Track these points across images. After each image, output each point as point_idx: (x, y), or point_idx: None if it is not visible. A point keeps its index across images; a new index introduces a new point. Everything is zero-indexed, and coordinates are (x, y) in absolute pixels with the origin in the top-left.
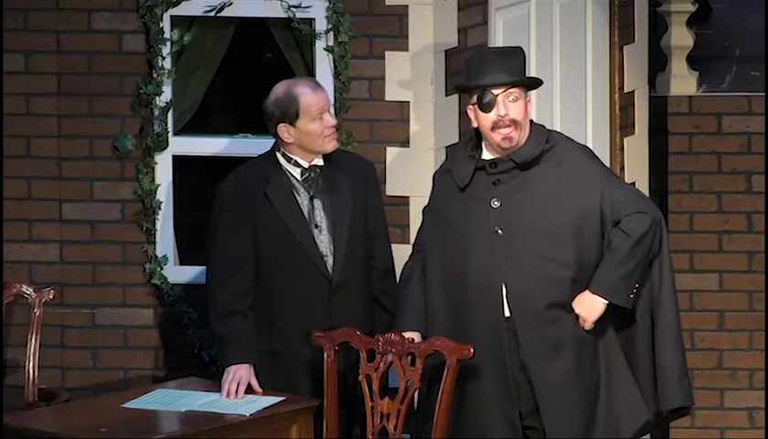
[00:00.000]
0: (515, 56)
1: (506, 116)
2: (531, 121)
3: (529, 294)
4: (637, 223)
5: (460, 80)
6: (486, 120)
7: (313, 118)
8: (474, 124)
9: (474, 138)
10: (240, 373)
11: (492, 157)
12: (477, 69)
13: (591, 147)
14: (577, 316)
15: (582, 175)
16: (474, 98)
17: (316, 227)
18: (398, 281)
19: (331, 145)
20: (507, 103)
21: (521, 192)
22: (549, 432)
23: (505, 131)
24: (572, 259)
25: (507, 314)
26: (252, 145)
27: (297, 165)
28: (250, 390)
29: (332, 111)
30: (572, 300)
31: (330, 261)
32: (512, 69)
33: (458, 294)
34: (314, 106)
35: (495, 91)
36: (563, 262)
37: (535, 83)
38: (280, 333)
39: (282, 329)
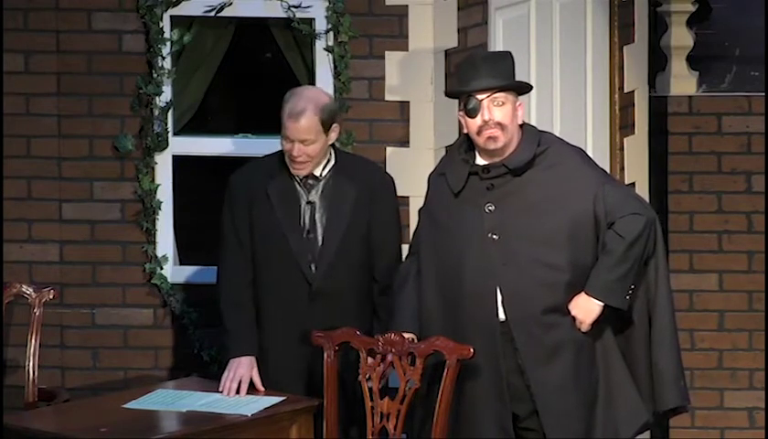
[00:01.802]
0: (502, 60)
1: (491, 120)
2: (523, 124)
3: (526, 300)
4: (631, 225)
5: (451, 87)
6: (473, 125)
7: (284, 136)
8: (465, 130)
9: (466, 141)
10: (240, 371)
11: (485, 163)
12: (464, 74)
13: (591, 147)
14: (574, 319)
15: (576, 177)
16: (462, 103)
17: (308, 231)
18: (393, 281)
19: (296, 171)
20: (493, 108)
21: (515, 197)
22: (550, 433)
23: (488, 131)
24: (568, 262)
25: (502, 318)
26: (252, 145)
27: None
28: (251, 389)
29: (306, 143)
30: (568, 303)
31: (314, 266)
32: (498, 73)
33: (453, 298)
34: (284, 128)
35: (479, 97)
36: (558, 267)
37: (522, 87)
38: (264, 330)
39: (266, 327)
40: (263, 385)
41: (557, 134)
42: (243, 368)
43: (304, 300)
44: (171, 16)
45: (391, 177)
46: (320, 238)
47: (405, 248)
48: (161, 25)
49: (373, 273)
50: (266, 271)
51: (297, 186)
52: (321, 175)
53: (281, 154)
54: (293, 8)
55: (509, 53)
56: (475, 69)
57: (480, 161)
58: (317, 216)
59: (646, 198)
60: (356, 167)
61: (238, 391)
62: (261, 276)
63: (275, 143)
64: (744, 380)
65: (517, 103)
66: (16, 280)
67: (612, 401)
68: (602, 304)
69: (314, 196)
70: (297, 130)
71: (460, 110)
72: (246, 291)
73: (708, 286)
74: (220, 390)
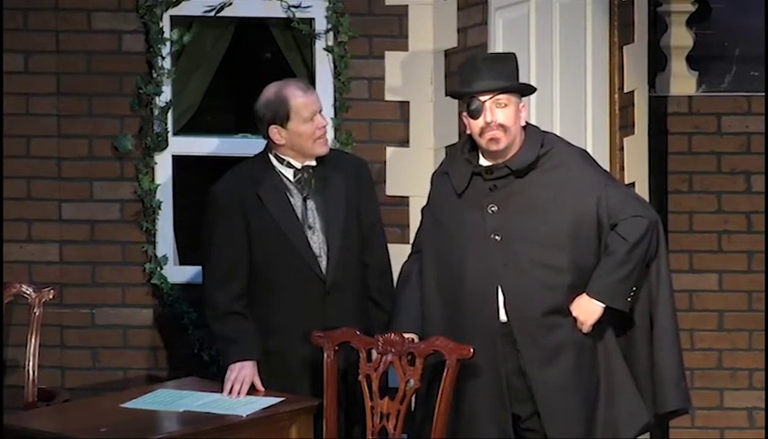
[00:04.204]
0: (505, 62)
1: (494, 122)
2: (527, 125)
3: (527, 302)
4: (634, 227)
5: (453, 87)
6: (475, 126)
7: (304, 120)
8: (468, 131)
9: (469, 141)
10: (244, 372)
11: (488, 164)
12: (467, 76)
13: (591, 147)
14: (575, 320)
15: (579, 179)
16: (465, 105)
17: (309, 228)
18: (395, 280)
19: (322, 149)
20: (495, 109)
21: (518, 198)
22: (551, 434)
23: (490, 133)
24: (570, 264)
25: (504, 319)
26: (252, 145)
27: (290, 166)
28: (252, 389)
29: (323, 113)
30: (570, 304)
31: (324, 261)
32: (501, 75)
33: (454, 299)
34: (305, 108)
35: (482, 98)
36: (561, 268)
37: (525, 89)
38: (275, 334)
39: (277, 330)
40: (275, 388)
41: (558, 135)
42: (247, 370)
43: (318, 296)
44: (171, 16)
45: (365, 160)
46: (322, 232)
47: (405, 248)
48: (161, 25)
49: (365, 260)
50: (272, 274)
51: (289, 184)
52: (311, 166)
53: (260, 157)
54: (292, 8)
55: (513, 54)
56: (478, 70)
57: (483, 162)
58: (315, 210)
59: (646, 198)
60: (333, 158)
61: (238, 393)
62: (266, 281)
63: None
64: (744, 380)
65: (521, 105)
66: (16, 280)
67: (613, 402)
68: (603, 305)
69: (309, 191)
70: (316, 99)
71: (463, 111)
72: (239, 301)
73: (707, 286)
74: (224, 392)
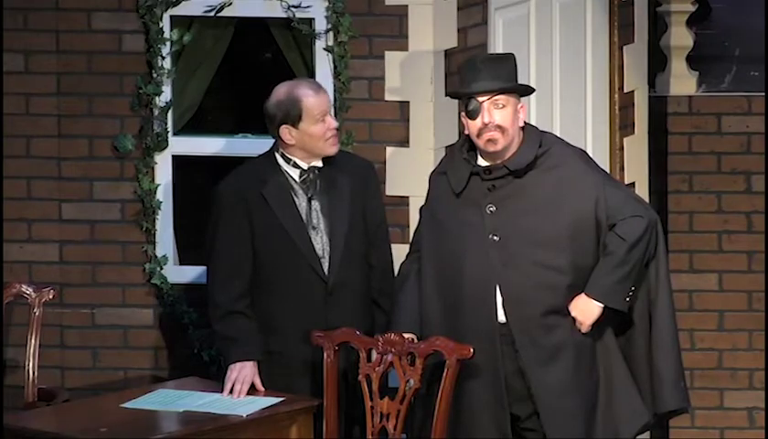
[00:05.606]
0: (504, 62)
1: (491, 123)
2: (525, 126)
3: (526, 302)
4: (632, 227)
5: (453, 87)
6: (473, 127)
7: (315, 120)
8: (466, 131)
9: (468, 141)
10: (244, 372)
11: (486, 164)
12: (466, 76)
13: (591, 147)
14: (574, 320)
15: (577, 179)
16: (463, 105)
17: (313, 228)
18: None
19: (333, 149)
20: (493, 110)
21: (516, 198)
22: (550, 434)
23: (488, 134)
24: (568, 265)
25: (503, 320)
26: (252, 145)
27: (296, 166)
28: (252, 389)
29: (332, 113)
30: (569, 304)
31: (326, 262)
32: (500, 75)
33: (452, 299)
34: (317, 108)
35: (480, 99)
36: (559, 269)
37: (523, 90)
38: (276, 333)
39: (279, 330)
40: (275, 388)
41: (557, 135)
42: (247, 370)
43: (320, 297)
44: (171, 16)
45: (371, 162)
46: (326, 233)
47: (405, 248)
48: (161, 25)
49: (370, 261)
50: (274, 274)
51: (294, 184)
52: (317, 167)
53: (266, 157)
54: (292, 8)
55: (512, 55)
56: (477, 70)
57: (482, 162)
58: (320, 211)
59: (646, 198)
60: (340, 159)
61: (239, 393)
62: (268, 280)
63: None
64: (744, 380)
65: (519, 105)
66: (16, 280)
67: (612, 402)
68: (602, 305)
69: (314, 191)
70: (327, 99)
71: (463, 111)
72: (241, 300)
73: (707, 286)
74: (225, 392)
